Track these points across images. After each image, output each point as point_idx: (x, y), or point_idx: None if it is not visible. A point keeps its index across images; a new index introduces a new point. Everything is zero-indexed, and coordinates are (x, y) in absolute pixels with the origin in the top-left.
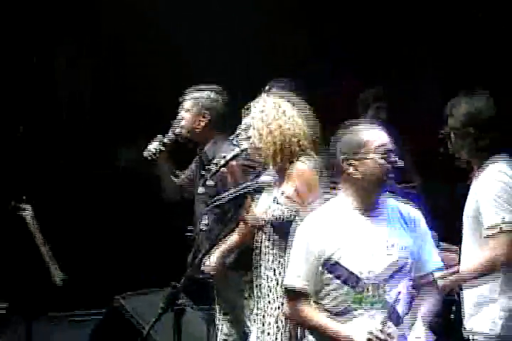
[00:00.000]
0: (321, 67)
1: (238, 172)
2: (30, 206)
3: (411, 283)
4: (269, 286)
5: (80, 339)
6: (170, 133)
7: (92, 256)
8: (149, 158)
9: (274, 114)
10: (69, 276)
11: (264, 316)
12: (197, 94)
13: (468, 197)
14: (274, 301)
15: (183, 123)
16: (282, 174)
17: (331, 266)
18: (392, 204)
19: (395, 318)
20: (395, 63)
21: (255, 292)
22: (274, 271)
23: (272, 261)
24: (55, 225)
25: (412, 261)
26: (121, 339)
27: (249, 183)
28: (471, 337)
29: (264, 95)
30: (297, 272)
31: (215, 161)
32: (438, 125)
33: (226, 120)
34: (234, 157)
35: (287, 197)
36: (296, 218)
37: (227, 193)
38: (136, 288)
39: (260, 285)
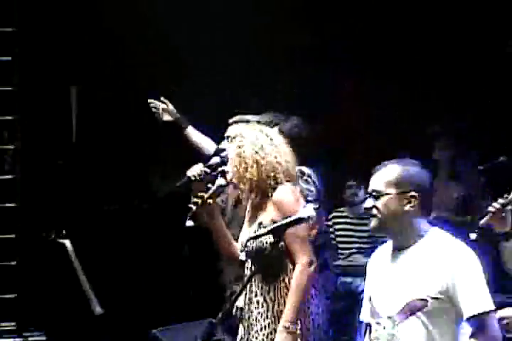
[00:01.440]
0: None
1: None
2: (69, 240)
3: (447, 329)
4: (259, 313)
5: None
6: (217, 159)
7: (128, 289)
8: (193, 179)
9: (252, 148)
10: (105, 309)
11: None
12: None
13: None
14: (263, 329)
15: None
16: (258, 206)
17: (371, 301)
18: (434, 242)
19: None
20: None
21: (246, 317)
22: (264, 298)
23: (261, 288)
24: (91, 258)
25: (436, 306)
26: None
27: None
28: None
29: (243, 128)
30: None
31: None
32: None
33: None
34: (213, 193)
35: (264, 228)
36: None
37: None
38: (171, 321)
39: (251, 312)
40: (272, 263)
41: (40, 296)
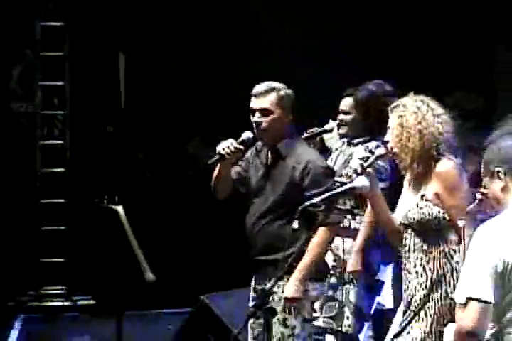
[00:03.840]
0: None
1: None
2: (121, 206)
3: None
4: (418, 282)
5: (167, 337)
6: (249, 133)
7: (178, 256)
8: (225, 157)
9: (415, 117)
10: (157, 276)
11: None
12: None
13: None
14: (425, 297)
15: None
16: (420, 178)
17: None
18: None
19: None
20: None
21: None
22: (424, 268)
23: (420, 259)
24: (143, 225)
25: None
26: (207, 339)
27: (341, 188)
28: None
29: (404, 98)
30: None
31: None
32: None
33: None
34: (371, 163)
35: (427, 200)
36: (440, 221)
37: (318, 195)
38: (220, 287)
39: (409, 281)
40: (432, 234)
41: (90, 261)
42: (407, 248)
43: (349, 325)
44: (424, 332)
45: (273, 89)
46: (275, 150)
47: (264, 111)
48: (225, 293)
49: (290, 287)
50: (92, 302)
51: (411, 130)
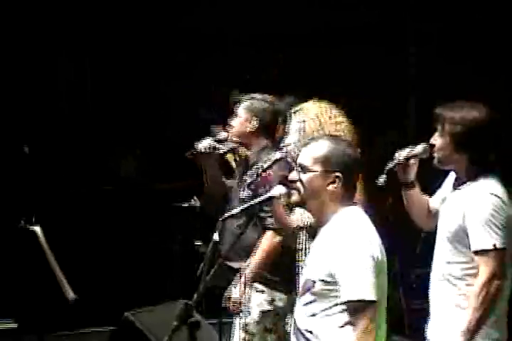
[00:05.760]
0: None
1: (271, 182)
2: (39, 226)
3: (332, 311)
4: None
5: None
6: (221, 135)
7: (100, 274)
8: (203, 151)
9: (314, 124)
10: (78, 294)
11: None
12: (248, 102)
13: (451, 208)
14: None
15: (233, 126)
16: None
17: None
18: (335, 224)
19: (300, 338)
20: None
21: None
22: None
23: None
24: (62, 244)
25: (322, 287)
26: None
27: (260, 198)
28: None
29: (306, 103)
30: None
31: (254, 169)
32: None
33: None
34: (269, 166)
35: None
36: None
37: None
38: (144, 303)
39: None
40: None
41: (10, 284)
42: (302, 251)
43: None
44: None
45: None
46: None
47: None
48: (149, 309)
49: (234, 290)
50: (14, 325)
51: (311, 135)
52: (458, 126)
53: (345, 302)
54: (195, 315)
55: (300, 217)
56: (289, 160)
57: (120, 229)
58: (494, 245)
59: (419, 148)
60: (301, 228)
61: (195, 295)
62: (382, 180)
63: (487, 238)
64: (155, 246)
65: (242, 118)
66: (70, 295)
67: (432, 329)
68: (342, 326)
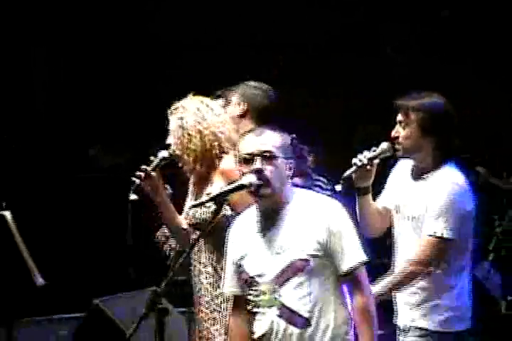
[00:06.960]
0: None
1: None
2: (9, 211)
3: (328, 284)
4: (208, 283)
5: None
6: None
7: (69, 260)
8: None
9: (194, 119)
10: (47, 280)
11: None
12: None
13: (415, 196)
14: (214, 299)
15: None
16: (205, 178)
17: (241, 271)
18: (303, 202)
19: (298, 321)
20: None
21: (196, 289)
22: (215, 268)
23: (211, 259)
24: (32, 230)
25: (316, 263)
26: None
27: (229, 186)
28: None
29: (184, 100)
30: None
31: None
32: None
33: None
34: (157, 165)
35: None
36: (229, 218)
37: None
38: (113, 290)
39: (201, 282)
40: (217, 233)
41: None
42: (196, 248)
43: None
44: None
45: None
46: None
47: None
48: (118, 296)
49: None
50: None
51: (191, 131)
52: (422, 112)
53: (347, 272)
54: (163, 302)
55: (192, 214)
56: (174, 158)
57: (91, 216)
58: (442, 234)
59: (384, 145)
60: (195, 226)
61: (164, 283)
62: (340, 187)
63: (439, 226)
64: (125, 233)
65: (232, 103)
66: (39, 280)
67: (398, 314)
68: (343, 297)
